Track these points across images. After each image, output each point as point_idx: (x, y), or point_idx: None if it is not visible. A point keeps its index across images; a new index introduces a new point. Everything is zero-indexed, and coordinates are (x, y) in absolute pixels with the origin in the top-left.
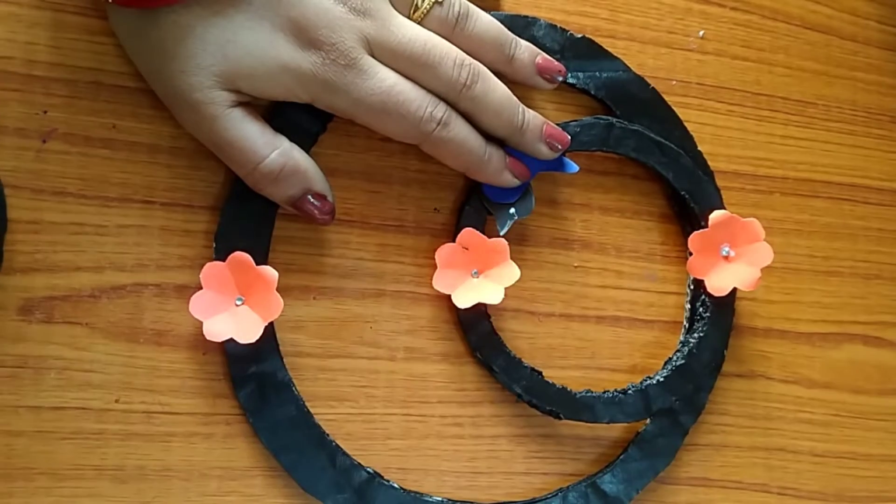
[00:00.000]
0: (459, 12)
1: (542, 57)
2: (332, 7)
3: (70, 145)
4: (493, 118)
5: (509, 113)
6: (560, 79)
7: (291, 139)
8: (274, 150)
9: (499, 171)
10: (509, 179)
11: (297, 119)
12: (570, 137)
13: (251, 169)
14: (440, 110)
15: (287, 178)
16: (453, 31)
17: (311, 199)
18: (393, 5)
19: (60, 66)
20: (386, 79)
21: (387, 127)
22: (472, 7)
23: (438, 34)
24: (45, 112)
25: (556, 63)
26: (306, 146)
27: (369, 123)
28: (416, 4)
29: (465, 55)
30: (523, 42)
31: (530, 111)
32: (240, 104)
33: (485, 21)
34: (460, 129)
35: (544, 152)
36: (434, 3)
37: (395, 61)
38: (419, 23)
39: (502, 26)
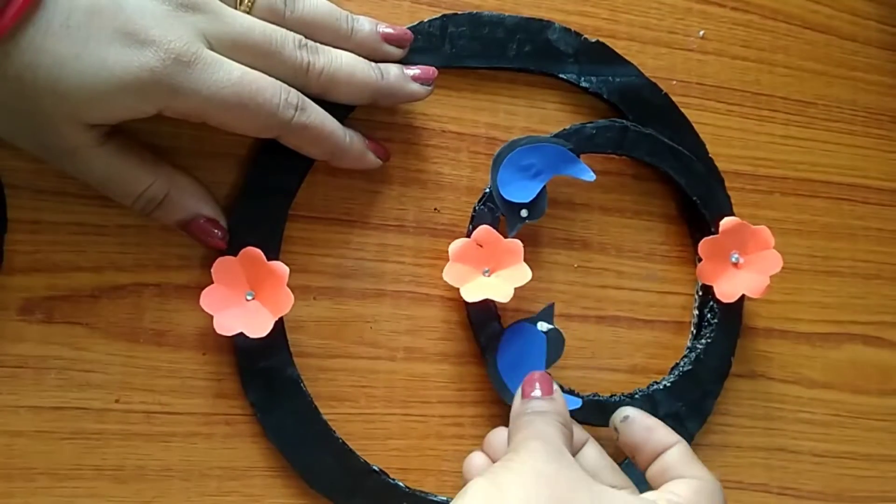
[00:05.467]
0: None
1: (384, 26)
2: (156, 7)
3: None
4: (349, 84)
5: (363, 73)
6: (407, 43)
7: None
8: (156, 179)
9: (361, 153)
10: (372, 161)
11: None
12: (435, 69)
13: (135, 199)
14: (294, 95)
15: (172, 203)
16: (284, 17)
17: (202, 224)
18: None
19: None
20: (233, 70)
21: (244, 121)
22: None
23: (270, 22)
24: None
25: (400, 29)
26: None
27: (225, 121)
28: None
29: (300, 35)
30: (360, 17)
31: (382, 63)
32: (109, 136)
33: (314, 1)
34: (318, 113)
35: (418, 91)
36: None
37: (237, 53)
38: (248, 13)
39: (333, 4)
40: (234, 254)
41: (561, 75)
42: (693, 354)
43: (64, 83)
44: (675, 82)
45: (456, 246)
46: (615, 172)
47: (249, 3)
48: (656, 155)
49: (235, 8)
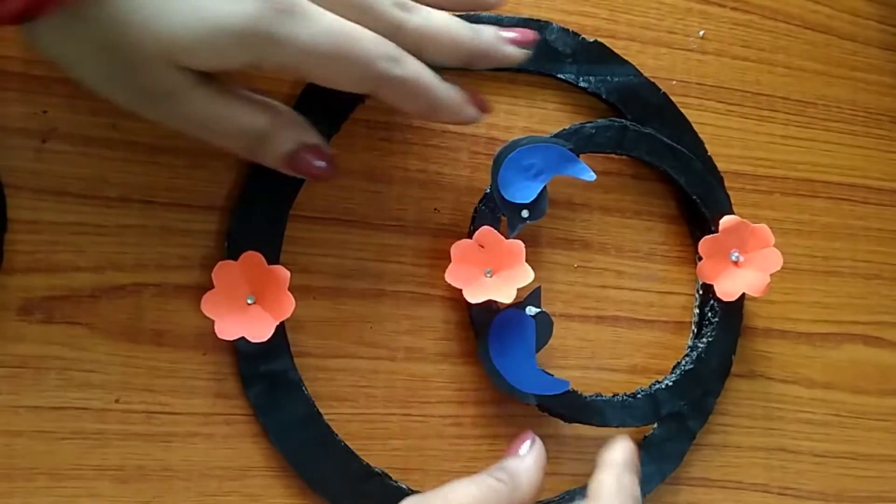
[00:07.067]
0: None
1: (511, 31)
2: None
3: (70, 145)
4: (443, 44)
5: (457, 32)
6: (531, 42)
7: None
8: (259, 110)
9: (460, 106)
10: (471, 114)
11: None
12: (536, 33)
13: (239, 135)
14: (391, 46)
15: (278, 133)
16: None
17: (307, 154)
18: None
19: None
20: (333, 21)
21: (340, 74)
22: None
23: None
24: (45, 112)
25: (524, 29)
26: None
27: (320, 75)
28: None
29: None
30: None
31: (477, 25)
32: (203, 78)
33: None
34: (414, 65)
35: (513, 54)
36: None
37: (333, 5)
38: None
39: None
40: (235, 258)
41: (559, 75)
42: (695, 353)
43: (164, 24)
44: (674, 82)
45: (458, 247)
46: (615, 172)
47: None
48: (655, 154)
49: None
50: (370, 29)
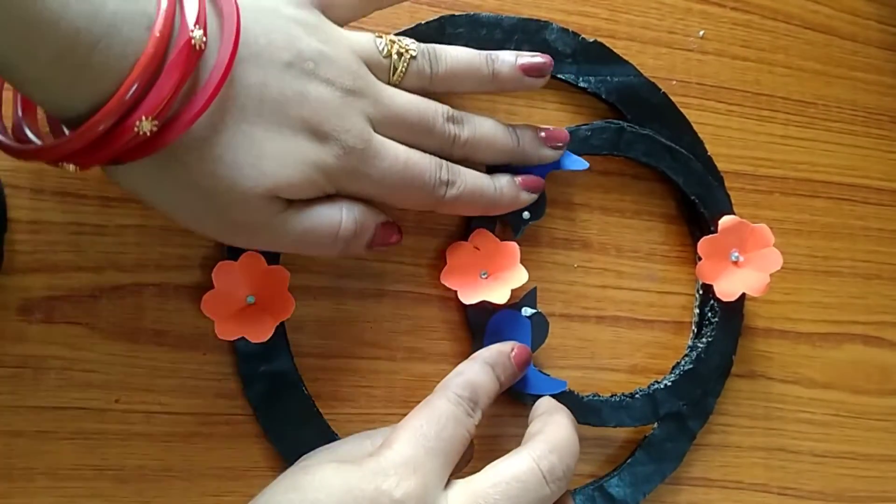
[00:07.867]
0: (430, 59)
1: (521, 59)
2: (331, 95)
3: None
4: (489, 151)
5: (502, 139)
6: (549, 70)
7: None
8: (341, 213)
9: (514, 198)
10: (527, 198)
11: None
12: (567, 133)
13: (333, 241)
14: (444, 172)
15: (361, 227)
16: (431, 79)
17: (383, 233)
18: (373, 73)
19: None
20: (399, 155)
21: (407, 199)
22: (437, 46)
23: (418, 87)
24: None
25: (538, 57)
26: None
27: (387, 198)
28: (394, 66)
29: (447, 107)
30: (500, 53)
31: (520, 126)
32: (289, 200)
33: (453, 54)
34: (466, 182)
35: (550, 155)
36: (410, 59)
37: (395, 131)
38: (399, 83)
39: (471, 50)
40: (235, 258)
41: (559, 75)
42: (694, 353)
43: (266, 163)
44: (674, 82)
45: (453, 249)
46: (615, 173)
47: (402, 73)
48: (653, 155)
49: (389, 79)
50: (427, 144)
